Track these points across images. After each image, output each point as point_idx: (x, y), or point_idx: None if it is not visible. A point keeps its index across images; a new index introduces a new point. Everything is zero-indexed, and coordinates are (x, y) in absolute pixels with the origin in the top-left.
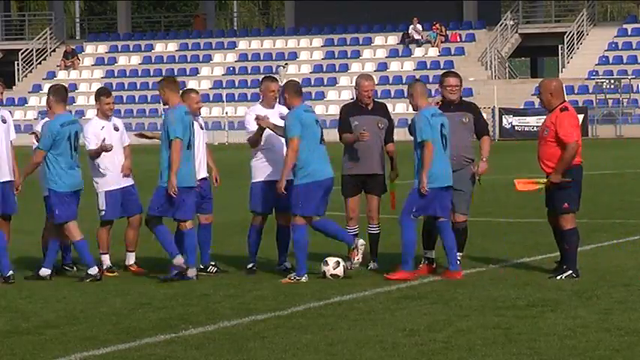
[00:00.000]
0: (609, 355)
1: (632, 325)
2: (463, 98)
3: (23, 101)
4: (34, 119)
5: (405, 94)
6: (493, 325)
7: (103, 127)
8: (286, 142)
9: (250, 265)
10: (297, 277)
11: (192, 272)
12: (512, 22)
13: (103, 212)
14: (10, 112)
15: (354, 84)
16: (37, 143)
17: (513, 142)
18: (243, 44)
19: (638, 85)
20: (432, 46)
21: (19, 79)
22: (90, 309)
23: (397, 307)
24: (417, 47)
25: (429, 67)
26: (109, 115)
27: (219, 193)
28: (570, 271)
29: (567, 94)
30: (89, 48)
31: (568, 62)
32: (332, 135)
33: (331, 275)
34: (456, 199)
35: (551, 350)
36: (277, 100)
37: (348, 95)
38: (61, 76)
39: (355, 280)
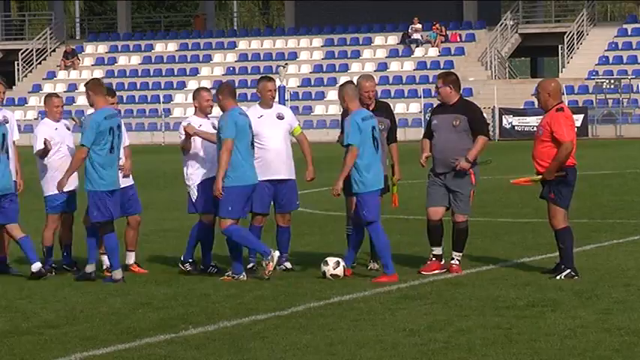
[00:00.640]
0: (609, 355)
1: (632, 325)
2: (464, 98)
3: (23, 101)
4: (35, 119)
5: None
6: (493, 325)
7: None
8: (218, 143)
9: (250, 265)
10: (235, 275)
11: (118, 274)
12: (512, 22)
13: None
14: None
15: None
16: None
17: (513, 142)
18: (243, 44)
19: (638, 85)
20: (432, 46)
21: (19, 79)
22: (90, 309)
23: (397, 307)
24: (417, 47)
25: (429, 67)
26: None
27: None
28: (568, 270)
29: (567, 94)
30: (89, 48)
31: (568, 62)
32: (332, 135)
33: (331, 275)
34: (453, 200)
35: (551, 350)
36: (274, 99)
37: None
38: (61, 76)
39: (355, 280)
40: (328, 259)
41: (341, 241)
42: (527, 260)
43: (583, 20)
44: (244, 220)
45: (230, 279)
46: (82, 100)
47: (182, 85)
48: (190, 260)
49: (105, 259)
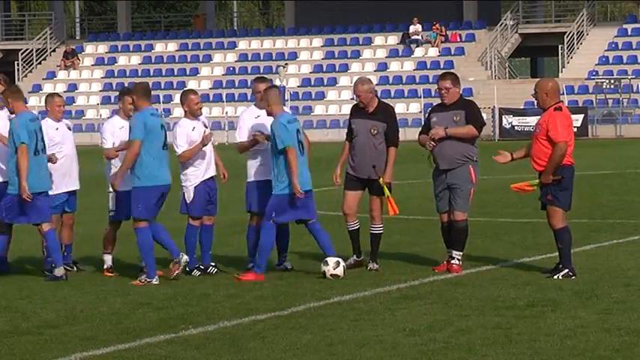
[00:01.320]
0: (609, 355)
1: (632, 325)
2: (464, 97)
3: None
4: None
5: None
6: (493, 325)
7: (122, 127)
8: (129, 142)
9: (250, 266)
10: (148, 280)
11: (59, 272)
12: (512, 22)
13: (112, 212)
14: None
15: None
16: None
17: (513, 142)
18: (243, 44)
19: (638, 85)
20: (432, 46)
21: (19, 79)
22: (90, 309)
23: (397, 307)
24: (417, 47)
25: (429, 67)
26: (131, 115)
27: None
28: (566, 270)
29: (567, 94)
30: (89, 48)
31: (568, 62)
32: (332, 135)
33: (331, 275)
34: (452, 196)
35: (551, 350)
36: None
37: (348, 95)
38: (61, 76)
39: (355, 280)
40: (328, 259)
41: (341, 241)
42: (527, 260)
43: (583, 20)
44: (243, 220)
45: (140, 283)
46: (81, 100)
47: (182, 85)
48: (197, 266)
49: (107, 258)
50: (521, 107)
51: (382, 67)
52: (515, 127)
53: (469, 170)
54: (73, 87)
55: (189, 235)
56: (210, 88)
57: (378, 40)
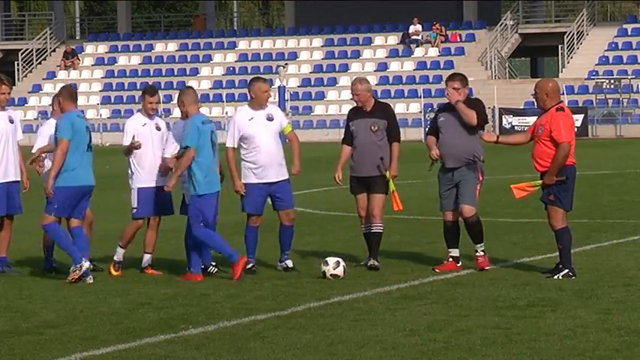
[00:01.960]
0: (609, 355)
1: (632, 325)
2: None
3: (23, 101)
4: (34, 119)
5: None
6: (493, 325)
7: (144, 124)
8: (55, 143)
9: (250, 265)
10: (76, 267)
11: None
12: (512, 22)
13: (135, 210)
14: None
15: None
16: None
17: None
18: (243, 44)
19: (638, 85)
20: (432, 46)
21: (19, 79)
22: (90, 309)
23: (397, 307)
24: (417, 47)
25: (429, 67)
26: (152, 114)
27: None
28: (566, 270)
29: (567, 94)
30: (89, 48)
31: (568, 62)
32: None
33: (331, 275)
34: (460, 190)
35: (551, 350)
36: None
37: (347, 95)
38: (61, 76)
39: (355, 280)
40: (328, 259)
41: (341, 241)
42: (527, 260)
43: (583, 20)
44: (242, 220)
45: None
46: (81, 100)
47: (182, 85)
48: (202, 267)
49: (119, 252)
50: (521, 107)
51: (382, 67)
52: (516, 127)
53: (476, 168)
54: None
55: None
56: (210, 88)
57: (378, 40)
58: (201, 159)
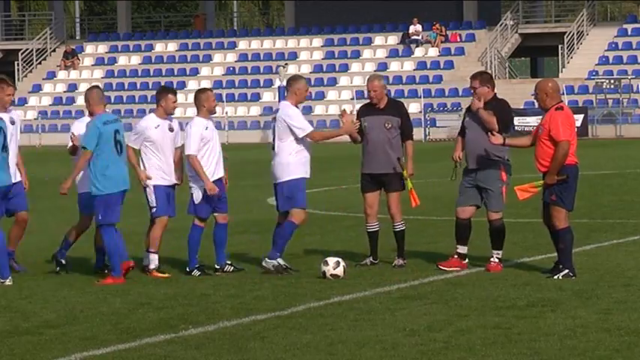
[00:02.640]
0: (609, 355)
1: (632, 325)
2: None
3: (23, 101)
4: (34, 119)
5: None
6: (493, 325)
7: (157, 126)
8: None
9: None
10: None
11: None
12: (512, 22)
13: (154, 209)
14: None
15: (354, 84)
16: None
17: None
18: (243, 44)
19: (638, 85)
20: (432, 46)
21: (19, 79)
22: (90, 309)
23: (397, 307)
24: (417, 47)
25: (429, 67)
26: (172, 114)
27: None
28: (567, 270)
29: (567, 94)
30: (89, 48)
31: (568, 62)
32: None
33: (331, 275)
34: (485, 198)
35: (551, 350)
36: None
37: (348, 95)
38: (61, 76)
39: (355, 280)
40: (328, 259)
41: (341, 240)
42: (527, 260)
43: (583, 20)
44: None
45: None
46: (81, 100)
47: (182, 85)
48: (197, 266)
49: (154, 258)
50: (522, 107)
51: (382, 67)
52: (516, 127)
53: (498, 170)
54: (73, 87)
55: (193, 235)
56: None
57: (378, 40)
58: (100, 160)
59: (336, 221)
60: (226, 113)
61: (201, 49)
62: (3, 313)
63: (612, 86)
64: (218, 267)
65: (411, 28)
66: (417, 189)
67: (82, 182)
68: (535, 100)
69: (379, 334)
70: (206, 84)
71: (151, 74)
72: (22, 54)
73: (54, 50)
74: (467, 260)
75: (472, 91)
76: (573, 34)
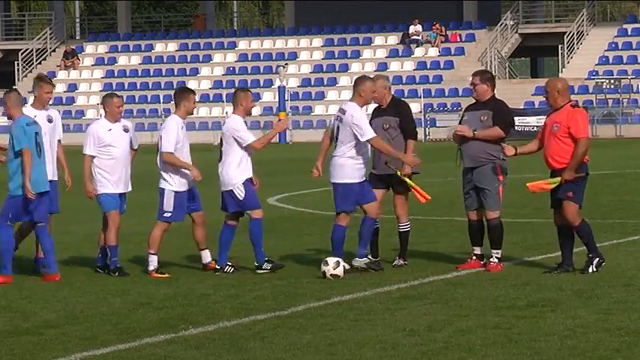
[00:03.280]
0: (609, 355)
1: (632, 325)
2: (496, 97)
3: (23, 101)
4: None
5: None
6: (493, 325)
7: (182, 127)
8: None
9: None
10: None
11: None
12: (512, 22)
13: (169, 214)
14: (58, 111)
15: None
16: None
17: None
18: (243, 44)
19: (638, 85)
20: (432, 46)
21: (19, 79)
22: (90, 309)
23: (397, 307)
24: (417, 47)
25: (429, 67)
26: (192, 113)
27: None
28: (597, 259)
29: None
30: (89, 48)
31: (568, 62)
32: None
33: (331, 275)
34: (482, 197)
35: (551, 350)
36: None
37: (348, 95)
38: (61, 76)
39: (355, 280)
40: (328, 259)
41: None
42: (527, 260)
43: (583, 20)
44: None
45: None
46: (81, 100)
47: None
48: (229, 263)
49: (205, 254)
50: (522, 107)
51: (382, 67)
52: (516, 127)
53: (495, 169)
54: (73, 87)
55: (222, 232)
56: (210, 88)
57: (378, 40)
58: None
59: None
60: (226, 113)
61: (201, 49)
62: (3, 313)
63: (612, 86)
64: (257, 265)
65: (411, 28)
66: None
67: (101, 184)
68: (545, 99)
69: (379, 334)
70: (206, 84)
71: (151, 74)
72: (22, 54)
73: (54, 50)
74: (485, 261)
75: (472, 87)
76: (573, 34)
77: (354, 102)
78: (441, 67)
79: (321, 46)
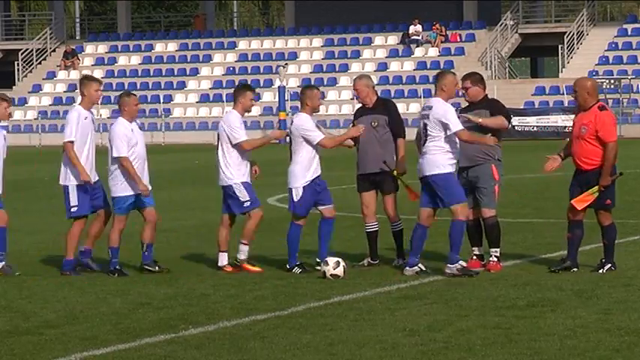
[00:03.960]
0: (609, 355)
1: (632, 325)
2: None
3: (23, 101)
4: (34, 119)
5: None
6: (493, 325)
7: (241, 123)
8: None
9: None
10: None
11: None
12: (512, 22)
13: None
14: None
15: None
16: None
17: (513, 143)
18: (243, 44)
19: (638, 85)
20: (432, 46)
21: (19, 79)
22: (90, 309)
23: (397, 307)
24: (417, 47)
25: (429, 67)
26: (250, 111)
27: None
28: (609, 265)
29: (567, 94)
30: (89, 48)
31: (568, 62)
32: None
33: (331, 275)
34: (478, 195)
35: (551, 350)
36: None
37: (348, 95)
38: (61, 76)
39: (355, 280)
40: (328, 259)
41: (341, 240)
42: (527, 260)
43: (583, 20)
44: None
45: None
46: None
47: (182, 85)
48: (298, 263)
49: (243, 248)
50: (522, 107)
51: (382, 67)
52: (516, 127)
53: (490, 168)
54: (73, 87)
55: (293, 233)
56: (210, 88)
57: (378, 40)
58: None
59: (336, 221)
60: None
61: (201, 49)
62: (3, 313)
63: (612, 86)
64: (318, 261)
65: (411, 28)
66: (416, 188)
67: (116, 186)
68: (574, 99)
69: (379, 334)
70: (206, 84)
71: (151, 74)
72: (22, 54)
73: (54, 50)
74: (484, 261)
75: (464, 91)
76: (573, 34)
77: (437, 97)
78: (441, 67)
79: (321, 46)
